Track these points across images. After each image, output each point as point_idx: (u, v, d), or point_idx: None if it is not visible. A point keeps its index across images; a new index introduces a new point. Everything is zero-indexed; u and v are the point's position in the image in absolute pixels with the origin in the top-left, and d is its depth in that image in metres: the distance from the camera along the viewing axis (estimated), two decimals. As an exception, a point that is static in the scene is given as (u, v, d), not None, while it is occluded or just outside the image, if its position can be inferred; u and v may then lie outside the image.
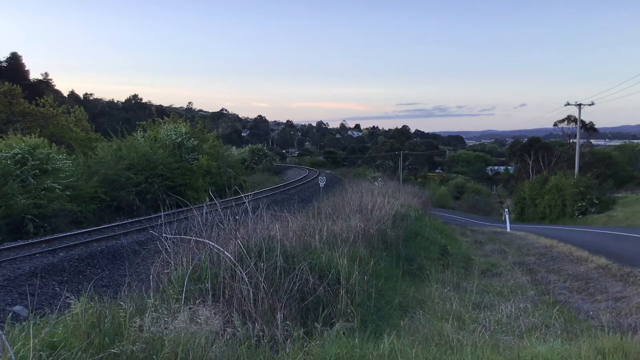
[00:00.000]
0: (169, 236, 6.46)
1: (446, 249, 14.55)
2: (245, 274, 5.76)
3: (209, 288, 5.64)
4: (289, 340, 5.01)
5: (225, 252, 5.82)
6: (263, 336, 5.03)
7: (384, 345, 5.01)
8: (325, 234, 9.14)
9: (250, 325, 5.14)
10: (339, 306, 6.29)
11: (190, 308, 5.02)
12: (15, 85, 34.15)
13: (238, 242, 6.31)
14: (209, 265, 5.98)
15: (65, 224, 21.78)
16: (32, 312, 6.62)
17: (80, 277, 12.71)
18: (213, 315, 4.85)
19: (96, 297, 4.59)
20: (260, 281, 5.81)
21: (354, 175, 60.21)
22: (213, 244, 6.01)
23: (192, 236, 6.42)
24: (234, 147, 78.38)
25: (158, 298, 5.37)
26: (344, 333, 5.34)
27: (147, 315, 4.57)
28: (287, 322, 5.26)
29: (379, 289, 8.07)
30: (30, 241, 16.27)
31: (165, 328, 4.41)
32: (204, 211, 7.09)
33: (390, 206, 15.14)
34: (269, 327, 5.20)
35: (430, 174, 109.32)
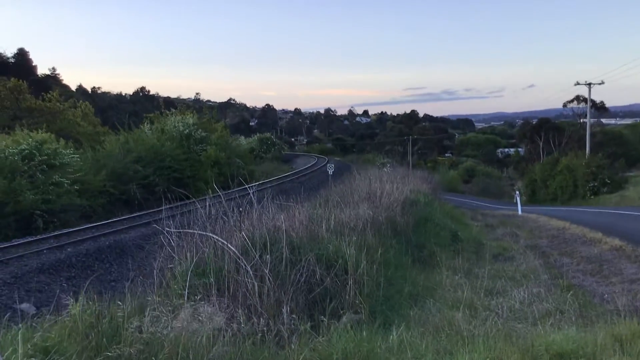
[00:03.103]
0: (172, 230, 6.33)
1: (457, 234, 14.36)
2: (250, 267, 5.64)
3: (213, 282, 5.52)
4: (295, 335, 4.89)
5: (229, 245, 5.68)
6: (268, 331, 4.90)
7: (393, 337, 4.87)
8: (332, 223, 8.99)
9: (255, 320, 5.03)
10: (347, 297, 6.15)
11: (192, 305, 4.90)
12: (21, 81, 34.17)
13: (242, 235, 6.18)
14: (213, 259, 5.86)
15: (75, 219, 21.79)
16: (38, 310, 6.57)
17: (89, 272, 12.67)
18: (217, 311, 4.73)
19: (95, 296, 4.46)
20: (266, 274, 5.68)
21: (363, 162, 59.98)
22: (216, 237, 5.89)
23: (195, 230, 6.29)
24: (242, 137, 78.39)
25: (161, 294, 5.26)
26: (351, 326, 5.20)
27: (147, 314, 4.46)
28: (293, 316, 5.13)
29: (388, 278, 7.93)
30: (38, 237, 16.28)
31: (165, 327, 4.29)
32: (207, 204, 6.95)
33: (399, 192, 14.95)
34: (274, 321, 5.08)
35: (440, 158, 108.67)
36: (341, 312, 5.92)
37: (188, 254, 5.88)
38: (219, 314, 4.73)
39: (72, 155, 23.34)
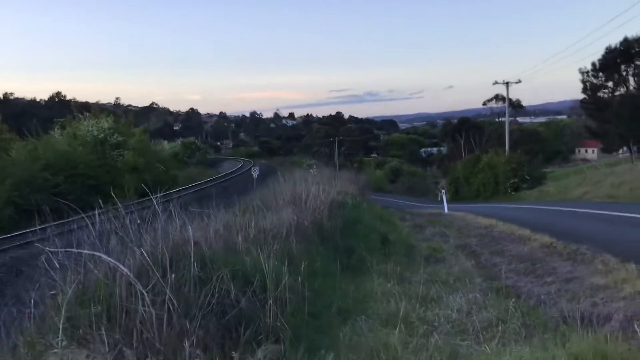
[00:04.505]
0: (52, 250, 5.25)
1: (387, 237, 13.78)
2: (148, 290, 4.68)
3: (102, 312, 4.53)
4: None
5: (120, 265, 4.70)
6: (166, 375, 3.98)
7: (320, 371, 4.06)
8: (252, 231, 8.12)
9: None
10: (266, 320, 5.29)
11: (63, 350, 3.89)
12: None
13: (140, 251, 5.20)
14: (105, 283, 4.86)
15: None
16: None
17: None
18: (96, 356, 3.75)
19: None
20: (169, 299, 4.74)
21: (290, 164, 59.23)
22: (104, 256, 4.88)
23: (84, 248, 5.25)
24: (165, 142, 76.50)
25: (33, 333, 4.23)
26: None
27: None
28: (198, 352, 4.21)
29: (315, 290, 7.13)
30: None
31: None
32: (97, 217, 5.89)
33: (325, 194, 14.21)
34: (176, 359, 4.15)
35: (366, 158, 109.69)
36: (260, 337, 5.06)
37: (72, 278, 4.85)
38: (99, 358, 3.76)
39: (-32, 164, 21.33)
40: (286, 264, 6.42)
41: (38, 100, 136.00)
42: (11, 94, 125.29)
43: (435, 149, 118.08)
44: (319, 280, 7.71)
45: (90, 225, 5.66)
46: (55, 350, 3.84)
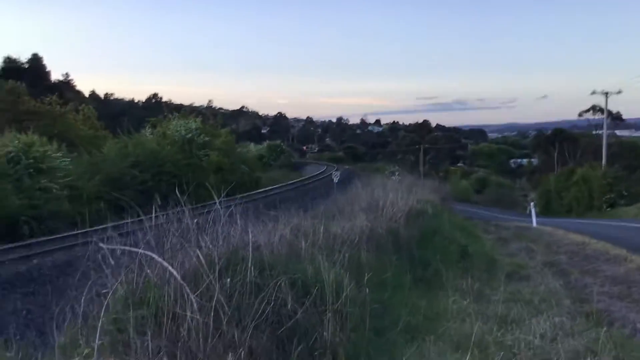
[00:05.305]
0: (105, 246, 5.08)
1: (466, 249, 13.04)
2: (198, 295, 4.39)
3: (148, 315, 4.28)
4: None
5: (169, 266, 4.44)
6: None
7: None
8: (321, 236, 7.73)
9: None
10: (324, 334, 4.88)
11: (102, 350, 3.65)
12: (19, 83, 33.40)
13: (197, 253, 4.94)
14: (155, 285, 4.62)
15: (65, 225, 20.67)
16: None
17: (49, 288, 11.35)
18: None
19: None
20: (221, 305, 4.43)
21: (372, 171, 58.71)
22: (155, 255, 4.65)
23: (141, 248, 5.04)
24: (252, 144, 78.09)
25: (73, 335, 4.04)
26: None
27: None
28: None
29: (383, 304, 6.68)
30: (8, 246, 14.98)
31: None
32: (153, 217, 5.70)
33: (404, 202, 13.67)
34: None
35: (452, 167, 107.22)
36: (315, 353, 4.67)
37: (123, 278, 4.65)
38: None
39: (63, 159, 22.26)
40: (351, 273, 6.01)
41: (136, 101, 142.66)
42: (112, 94, 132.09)
43: (525, 160, 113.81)
44: (389, 292, 7.25)
45: (147, 224, 5.47)
46: (86, 350, 3.60)
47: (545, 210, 50.61)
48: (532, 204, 35.10)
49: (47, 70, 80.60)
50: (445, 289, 8.55)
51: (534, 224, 27.49)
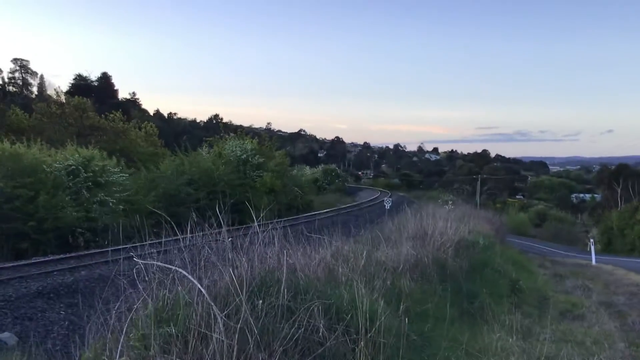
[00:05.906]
0: (140, 261, 5.08)
1: (518, 283, 12.54)
2: (226, 316, 4.31)
3: (175, 334, 4.22)
4: None
5: (198, 284, 4.38)
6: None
7: None
8: (362, 262, 7.56)
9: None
10: (355, 364, 4.71)
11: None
12: (85, 99, 34.74)
13: (229, 272, 4.87)
14: (185, 303, 4.56)
15: (122, 239, 21.13)
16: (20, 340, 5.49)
17: (92, 300, 11.51)
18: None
19: None
20: (249, 327, 4.33)
21: (426, 199, 57.94)
22: (185, 272, 4.60)
23: (175, 265, 5.01)
24: (307, 167, 78.48)
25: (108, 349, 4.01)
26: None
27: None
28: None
29: (423, 335, 6.44)
30: (60, 256, 15.39)
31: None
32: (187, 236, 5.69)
33: (454, 231, 13.33)
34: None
35: (510, 199, 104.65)
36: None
37: (155, 295, 4.62)
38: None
39: (120, 175, 22.87)
40: (390, 302, 5.82)
41: (198, 120, 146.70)
42: (175, 113, 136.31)
43: (588, 196, 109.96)
44: (430, 324, 6.99)
45: (182, 243, 5.47)
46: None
47: (607, 248, 48.55)
48: (592, 240, 33.75)
49: (115, 88, 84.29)
50: (491, 324, 8.20)
51: (593, 261, 26.35)
